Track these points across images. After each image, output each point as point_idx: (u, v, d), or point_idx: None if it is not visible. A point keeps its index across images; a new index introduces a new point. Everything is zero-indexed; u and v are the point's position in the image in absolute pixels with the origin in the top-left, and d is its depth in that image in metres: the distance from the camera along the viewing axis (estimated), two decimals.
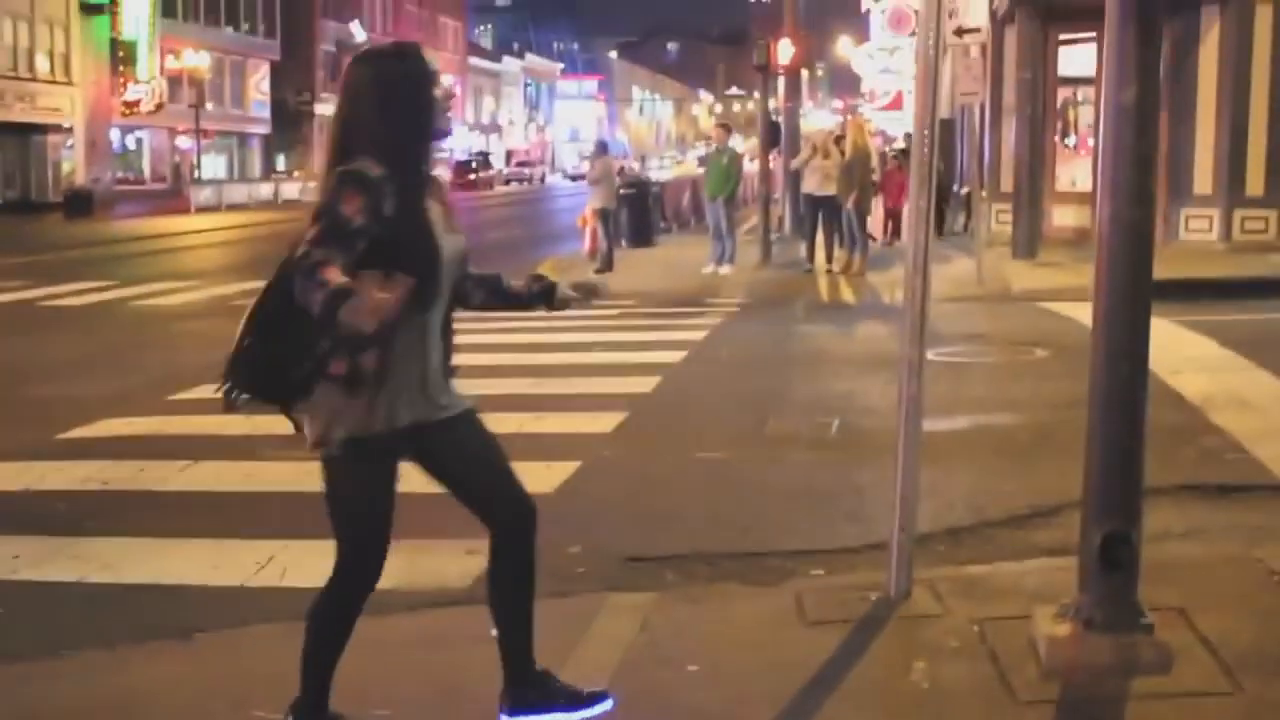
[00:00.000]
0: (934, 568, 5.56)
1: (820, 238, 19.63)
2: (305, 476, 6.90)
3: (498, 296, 4.01)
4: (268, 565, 5.95)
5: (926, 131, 4.94)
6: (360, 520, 3.79)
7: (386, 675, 4.53)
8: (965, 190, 24.49)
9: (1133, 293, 4.26)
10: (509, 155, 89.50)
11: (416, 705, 4.35)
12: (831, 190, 19.04)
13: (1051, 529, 6.17)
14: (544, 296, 4.06)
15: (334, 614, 3.87)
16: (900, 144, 25.44)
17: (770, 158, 23.76)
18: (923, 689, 4.26)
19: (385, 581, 5.41)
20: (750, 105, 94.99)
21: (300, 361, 3.55)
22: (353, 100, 3.67)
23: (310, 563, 5.80)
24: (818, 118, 71.23)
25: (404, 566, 5.79)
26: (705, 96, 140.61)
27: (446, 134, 3.82)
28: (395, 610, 5.17)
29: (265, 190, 54.34)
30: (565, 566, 5.77)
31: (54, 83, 49.04)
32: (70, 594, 5.73)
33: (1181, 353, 10.65)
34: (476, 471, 3.91)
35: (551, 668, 4.09)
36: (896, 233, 23.74)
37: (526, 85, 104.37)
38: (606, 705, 3.98)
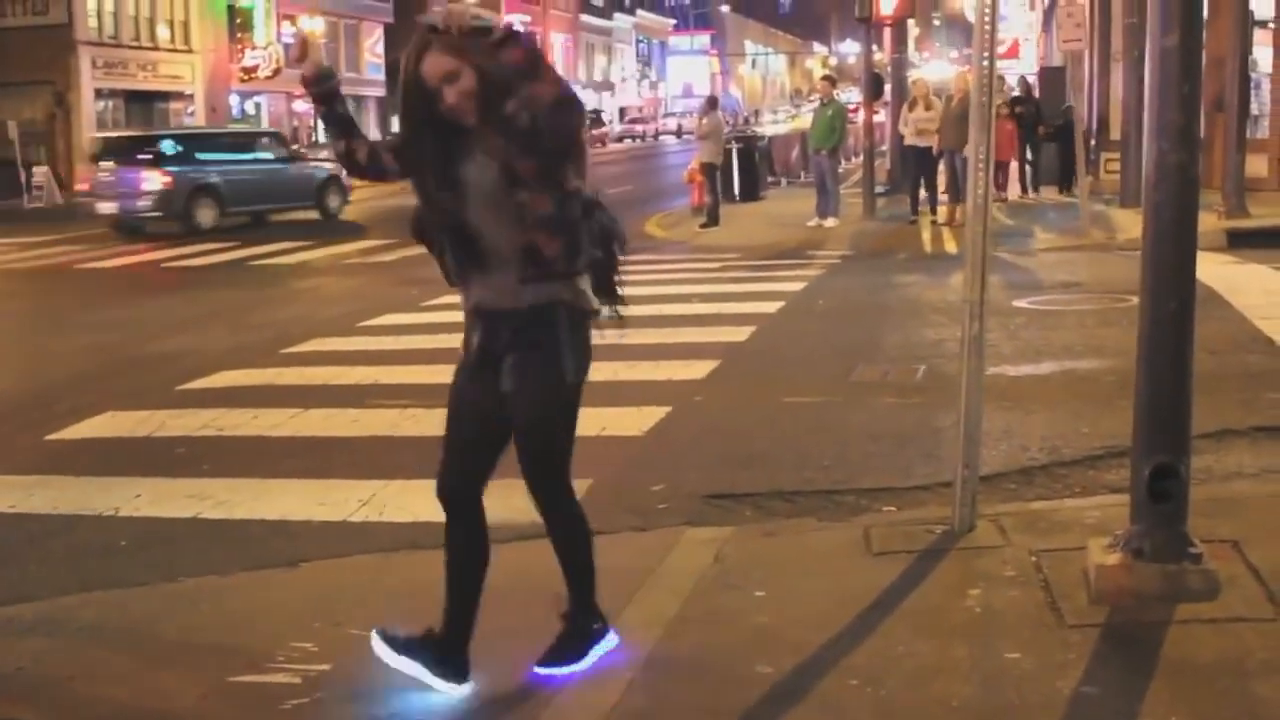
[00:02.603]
0: (1002, 504, 5.76)
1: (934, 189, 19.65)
2: (405, 422, 7.34)
3: None
4: (369, 502, 6.31)
5: (986, 79, 5.11)
6: None
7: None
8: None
9: (1178, 233, 4.42)
10: (622, 112, 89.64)
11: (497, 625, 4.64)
12: (931, 142, 19.05)
13: (1122, 469, 6.29)
14: None
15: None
16: (1016, 91, 24.78)
17: (876, 110, 23.74)
18: (975, 613, 4.48)
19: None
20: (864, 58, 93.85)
21: None
22: None
23: (407, 500, 6.19)
24: (933, 69, 70.51)
25: (497, 504, 6.15)
26: (819, 49, 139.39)
27: None
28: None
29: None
30: (647, 503, 6.08)
31: (175, 51, 50.11)
32: (187, 529, 6.13)
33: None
34: None
35: (626, 594, 4.40)
36: (1000, 186, 22.54)
37: (639, 42, 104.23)
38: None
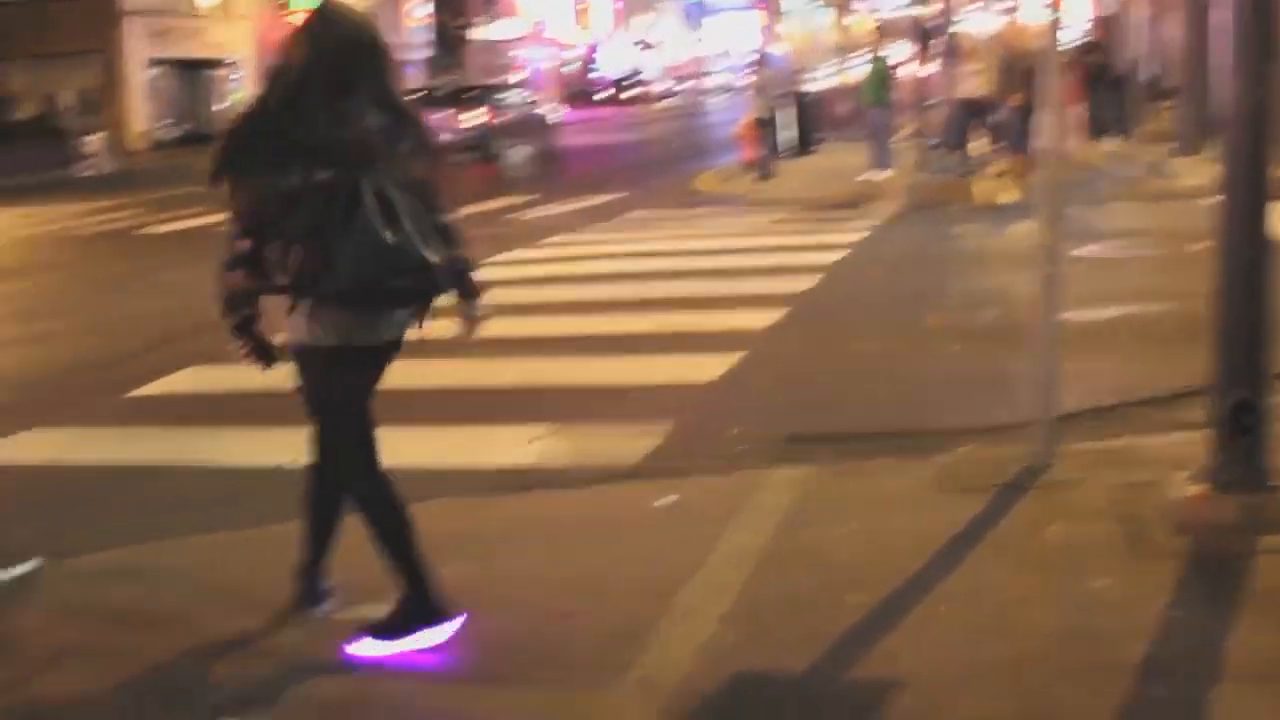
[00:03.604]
0: (1078, 442, 5.85)
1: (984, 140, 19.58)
2: (485, 373, 7.36)
3: None
4: (453, 449, 6.47)
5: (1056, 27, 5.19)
6: None
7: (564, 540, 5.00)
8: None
9: (1254, 171, 4.50)
10: (666, 71, 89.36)
11: (589, 563, 4.78)
12: (983, 93, 18.98)
13: (1193, 408, 6.33)
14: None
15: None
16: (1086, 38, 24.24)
17: (925, 62, 23.64)
18: (1059, 545, 4.59)
19: (563, 461, 5.93)
20: (912, 11, 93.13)
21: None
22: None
23: (491, 446, 6.35)
24: (981, 20, 69.67)
25: (578, 449, 6.31)
26: (863, 4, 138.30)
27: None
28: (573, 485, 5.69)
29: None
30: (727, 446, 6.21)
31: (221, 18, 50.41)
32: (274, 477, 6.23)
33: None
34: None
35: (712, 534, 4.57)
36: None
37: None
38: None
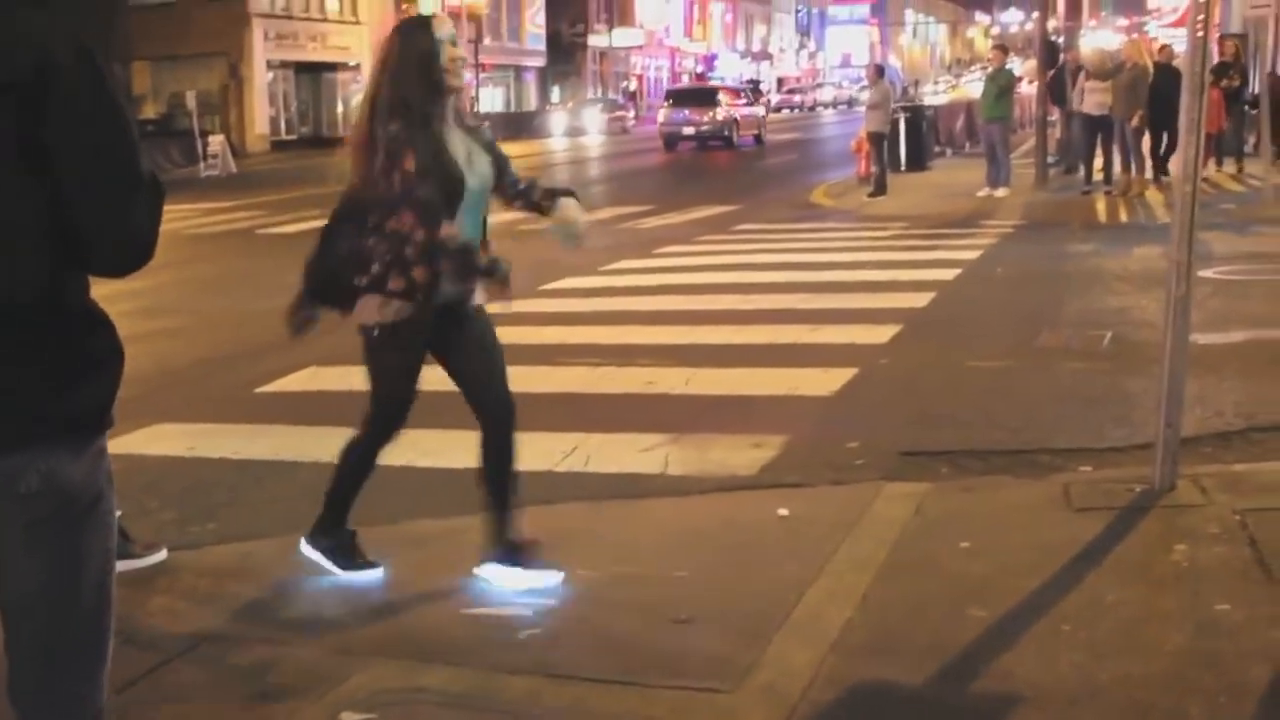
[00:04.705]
0: (1201, 466, 5.80)
1: (1109, 159, 19.33)
2: (599, 379, 7.56)
3: (527, 204, 4.75)
4: (572, 454, 6.55)
5: (1199, 43, 5.15)
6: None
7: (684, 545, 5.05)
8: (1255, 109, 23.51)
9: None
10: (780, 82, 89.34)
11: (709, 569, 4.83)
12: (1106, 111, 18.77)
13: None
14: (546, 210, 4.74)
15: (364, 456, 4.87)
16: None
17: (1048, 79, 23.38)
18: (1182, 567, 4.56)
19: (681, 469, 5.99)
20: (1028, 26, 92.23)
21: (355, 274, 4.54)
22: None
23: (609, 452, 6.43)
24: (1099, 37, 68.86)
25: (696, 457, 6.36)
26: (981, 18, 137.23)
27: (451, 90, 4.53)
28: (691, 493, 5.74)
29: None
30: (843, 459, 6.23)
31: (342, 22, 51.28)
32: (400, 476, 6.40)
33: None
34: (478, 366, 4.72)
35: (832, 545, 4.60)
36: (1214, 158, 20.80)
37: (798, 11, 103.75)
38: (552, 580, 4.60)
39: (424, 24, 4.55)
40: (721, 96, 41.89)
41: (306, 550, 4.86)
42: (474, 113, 4.84)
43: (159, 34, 42.84)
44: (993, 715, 3.56)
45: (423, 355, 4.71)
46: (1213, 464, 5.94)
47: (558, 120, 56.20)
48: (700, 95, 42.98)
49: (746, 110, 42.29)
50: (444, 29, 4.52)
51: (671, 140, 39.98)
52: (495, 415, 4.73)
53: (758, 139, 40.97)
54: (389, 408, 4.84)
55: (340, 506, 4.87)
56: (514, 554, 4.67)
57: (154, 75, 45.84)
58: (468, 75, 61.32)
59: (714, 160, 34.37)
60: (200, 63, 45.03)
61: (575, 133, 52.53)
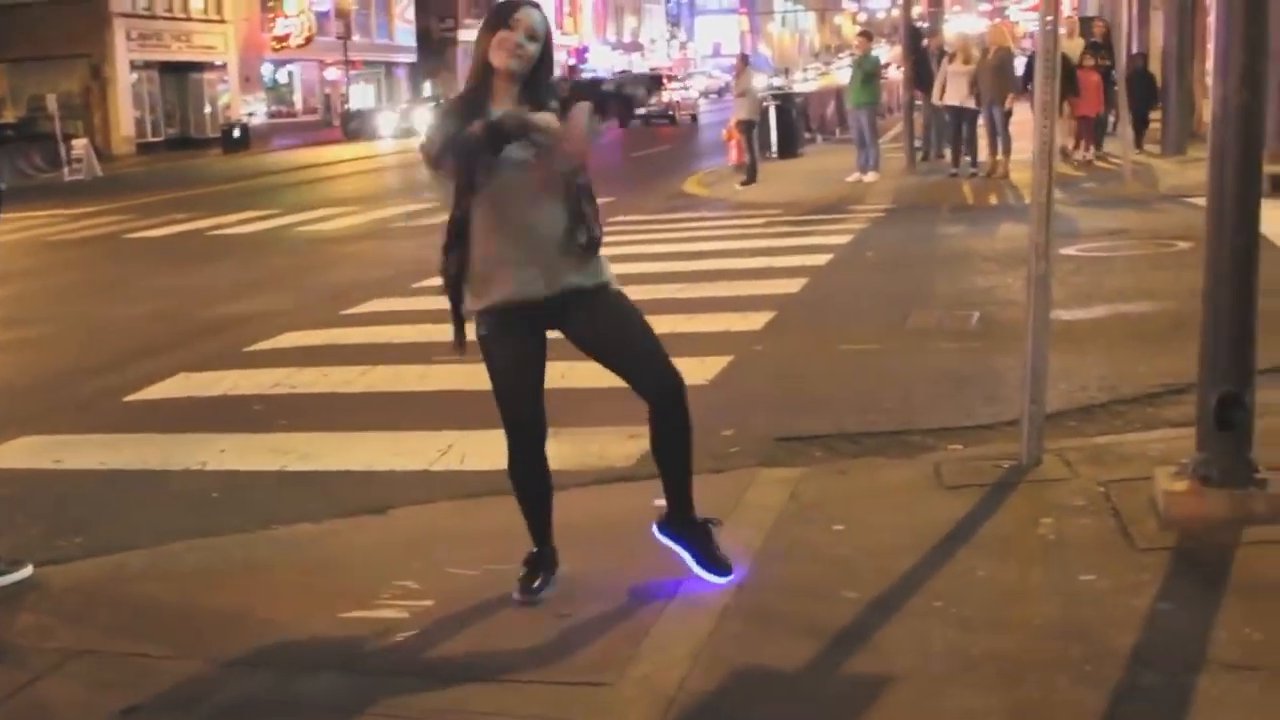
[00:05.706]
0: (1066, 440, 5.92)
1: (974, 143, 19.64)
2: (474, 377, 7.52)
3: None
4: (448, 452, 6.52)
5: (1050, 27, 5.26)
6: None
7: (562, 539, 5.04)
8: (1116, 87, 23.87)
9: (1243, 171, 4.57)
10: (652, 72, 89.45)
11: (587, 563, 4.83)
12: (971, 94, 18.99)
13: (1180, 405, 6.46)
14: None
15: (512, 471, 4.61)
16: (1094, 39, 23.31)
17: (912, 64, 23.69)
18: (1049, 540, 4.66)
19: (558, 463, 5.99)
20: (894, 12, 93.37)
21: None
22: None
23: (485, 449, 6.39)
24: (963, 23, 69.94)
25: (573, 451, 6.36)
26: (848, 5, 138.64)
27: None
28: (569, 487, 5.72)
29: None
30: (719, 447, 6.26)
31: (208, 21, 50.44)
32: (274, 480, 6.35)
33: None
34: (618, 346, 4.55)
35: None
36: (1094, 143, 20.82)
37: (668, 2, 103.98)
38: (726, 579, 4.42)
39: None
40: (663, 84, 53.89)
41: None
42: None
43: (16, 35, 41.88)
44: (867, 694, 3.60)
45: (526, 345, 4.53)
46: (1077, 437, 6.06)
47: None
48: (654, 82, 55.48)
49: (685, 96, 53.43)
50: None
51: None
52: (657, 392, 4.51)
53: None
54: (502, 408, 4.64)
55: (533, 530, 4.61)
56: (694, 538, 4.50)
57: (12, 77, 44.72)
58: (336, 74, 60.56)
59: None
60: (61, 64, 44.01)
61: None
